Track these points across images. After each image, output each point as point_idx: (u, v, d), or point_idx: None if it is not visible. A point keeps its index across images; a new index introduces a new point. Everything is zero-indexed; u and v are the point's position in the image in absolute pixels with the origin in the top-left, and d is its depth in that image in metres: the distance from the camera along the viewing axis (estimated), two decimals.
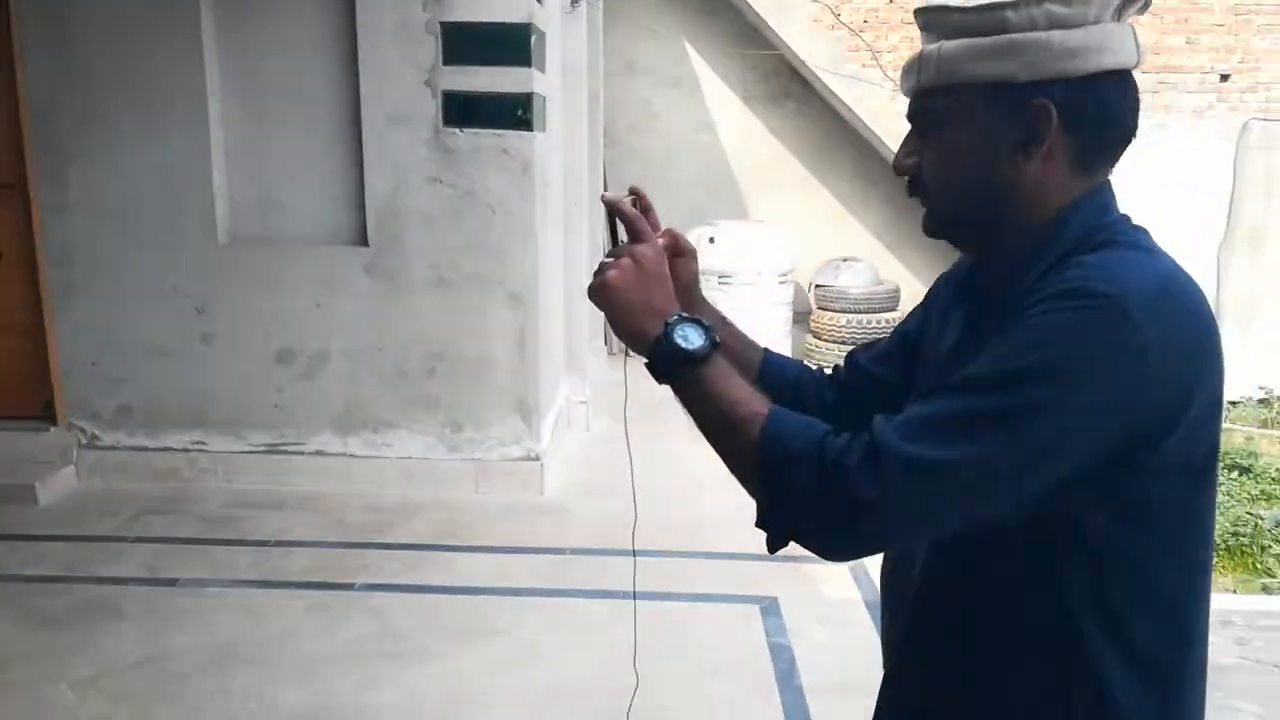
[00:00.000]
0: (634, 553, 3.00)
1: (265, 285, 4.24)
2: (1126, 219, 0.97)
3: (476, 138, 4.07)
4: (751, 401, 0.94)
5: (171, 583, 3.42)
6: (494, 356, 4.17)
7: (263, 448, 4.34)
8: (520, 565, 3.58)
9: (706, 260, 6.18)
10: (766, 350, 1.25)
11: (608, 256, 1.05)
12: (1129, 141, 0.96)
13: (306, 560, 3.62)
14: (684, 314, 0.99)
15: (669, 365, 0.97)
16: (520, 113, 4.07)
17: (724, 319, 1.18)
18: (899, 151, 1.01)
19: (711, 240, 6.47)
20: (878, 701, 1.12)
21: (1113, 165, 0.98)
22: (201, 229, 4.20)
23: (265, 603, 3.30)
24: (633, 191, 1.12)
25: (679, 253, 1.15)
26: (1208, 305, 0.91)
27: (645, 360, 1.00)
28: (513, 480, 4.23)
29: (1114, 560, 0.91)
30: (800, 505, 0.90)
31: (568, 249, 4.98)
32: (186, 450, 4.34)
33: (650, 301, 1.00)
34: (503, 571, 3.52)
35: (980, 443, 0.85)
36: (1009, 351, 0.87)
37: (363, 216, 4.21)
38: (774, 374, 1.21)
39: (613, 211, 1.08)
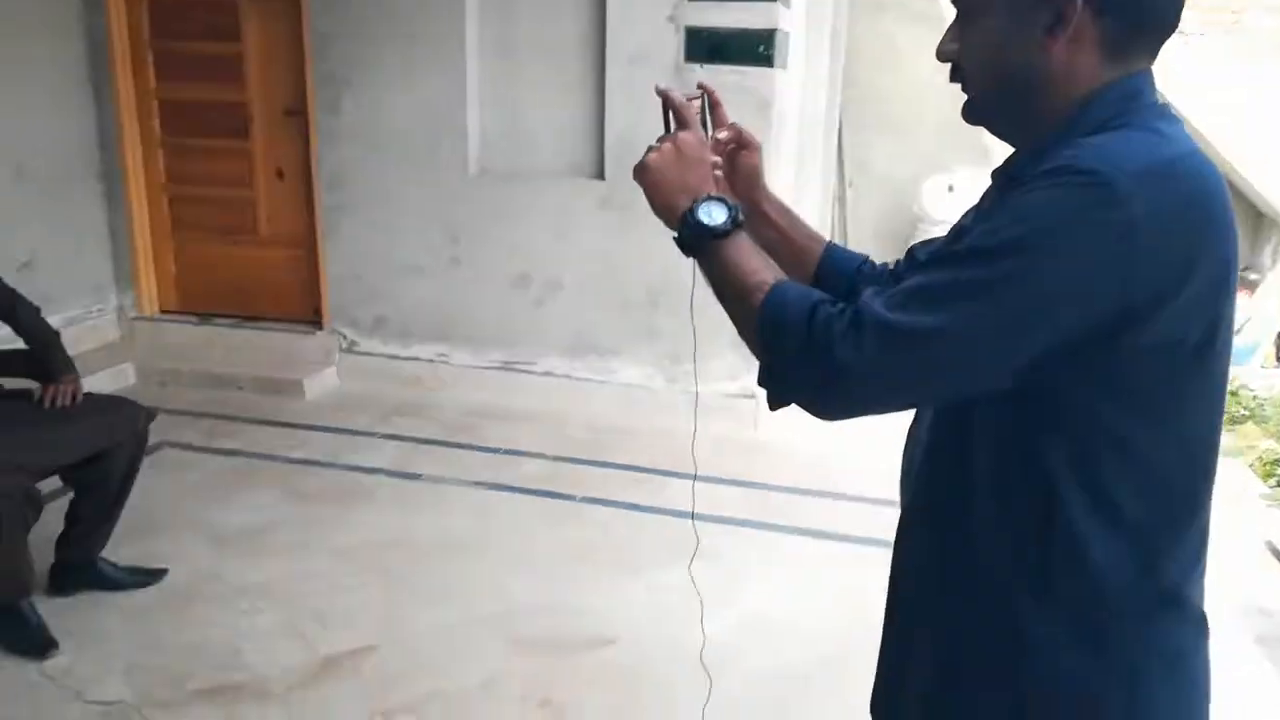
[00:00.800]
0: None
1: (508, 215, 4.48)
2: (1160, 107, 0.95)
3: (717, 74, 4.07)
4: (762, 273, 1.01)
5: (415, 477, 3.74)
6: None
7: (497, 364, 4.62)
8: (733, 496, 3.63)
9: (944, 210, 5.99)
10: (830, 243, 1.30)
11: (656, 143, 1.12)
12: (1169, 32, 0.95)
13: (533, 469, 3.84)
14: (713, 194, 1.06)
15: (692, 238, 1.04)
16: (762, 49, 4.03)
17: (786, 209, 1.26)
18: (942, 38, 1.02)
19: (950, 189, 6.17)
20: (891, 567, 1.17)
21: (1152, 56, 0.97)
22: (454, 161, 4.47)
23: (497, 503, 3.54)
24: (700, 87, 1.22)
25: (744, 145, 1.24)
26: (1220, 186, 0.91)
27: (674, 236, 1.07)
28: (728, 415, 4.28)
29: (1096, 433, 0.93)
30: (791, 367, 0.96)
31: (800, 189, 4.91)
32: (431, 361, 4.69)
33: (685, 181, 1.08)
34: (715, 501, 3.58)
35: (957, 313, 0.88)
36: (992, 226, 0.90)
37: (601, 151, 4.34)
38: (834, 265, 1.26)
39: (666, 102, 1.15)
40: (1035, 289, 0.87)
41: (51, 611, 2.61)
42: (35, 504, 2.48)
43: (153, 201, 4.95)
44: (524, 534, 3.30)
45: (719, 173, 1.19)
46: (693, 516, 2.66)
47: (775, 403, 1.01)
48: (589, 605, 2.86)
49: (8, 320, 2.78)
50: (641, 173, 1.10)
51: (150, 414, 2.83)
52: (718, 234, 1.03)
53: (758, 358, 1.00)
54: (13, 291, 2.78)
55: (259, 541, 3.17)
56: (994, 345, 0.89)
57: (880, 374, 0.91)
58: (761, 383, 1.00)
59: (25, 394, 2.73)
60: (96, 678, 2.43)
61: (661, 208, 1.09)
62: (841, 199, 6.73)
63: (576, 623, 2.77)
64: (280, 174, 4.79)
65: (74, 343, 3.95)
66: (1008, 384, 0.91)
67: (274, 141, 4.76)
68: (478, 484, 3.69)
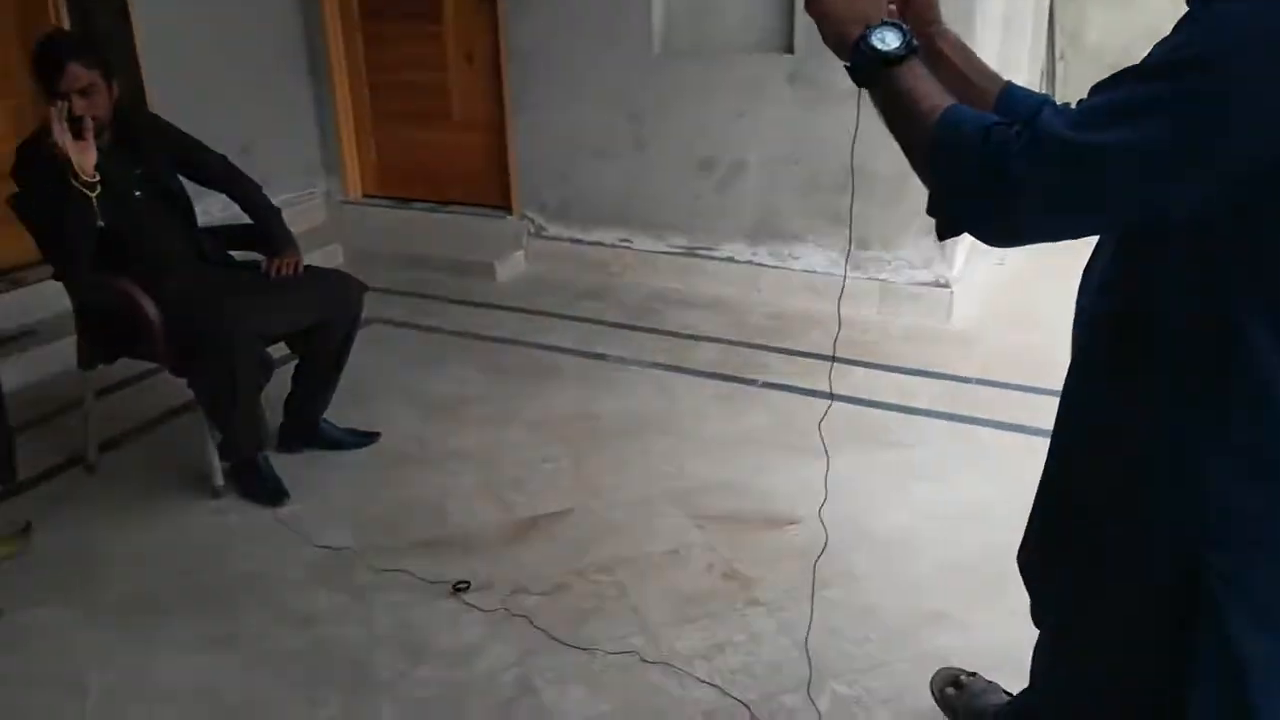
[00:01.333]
0: None
1: (692, 94, 4.38)
2: None
3: None
4: (935, 97, 0.99)
5: (600, 357, 3.83)
6: (911, 174, 3.98)
7: (679, 250, 4.62)
8: (922, 387, 3.52)
9: None
10: (1011, 83, 1.25)
11: None
12: None
13: (713, 354, 3.86)
14: (886, 20, 1.04)
15: (865, 65, 1.03)
16: None
17: (963, 46, 1.22)
18: None
19: None
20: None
21: None
22: (639, 39, 4.39)
23: (676, 385, 3.59)
24: None
25: None
26: None
27: (846, 65, 1.07)
28: (918, 304, 4.13)
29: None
30: (963, 188, 0.94)
31: (1005, 60, 4.55)
32: (614, 246, 4.75)
33: (856, 9, 1.06)
34: (903, 391, 3.49)
35: (1136, 128, 0.83)
36: (1182, 39, 0.84)
37: (791, 22, 4.15)
38: (1014, 105, 1.19)
39: None
40: (1219, 107, 0.80)
41: (281, 467, 2.88)
42: (267, 367, 2.71)
43: (354, 88, 5.17)
44: (704, 416, 3.34)
45: (893, 6, 1.16)
46: (830, 397, 2.62)
47: (945, 230, 1.00)
48: (770, 486, 2.88)
49: (231, 194, 2.99)
50: (814, 4, 1.10)
51: (364, 286, 3.01)
52: (890, 59, 1.02)
53: (928, 184, 0.99)
54: (234, 167, 2.98)
55: (459, 411, 3.37)
56: (1173, 165, 0.84)
57: (1056, 192, 0.88)
58: (931, 210, 0.99)
59: (254, 265, 2.96)
60: (323, 525, 2.68)
61: (833, 37, 1.09)
62: (1050, 74, 6.19)
63: (756, 502, 2.80)
64: (470, 58, 4.87)
65: (288, 224, 4.25)
66: (1186, 211, 0.87)
67: (465, 25, 4.83)
68: (658, 366, 3.75)
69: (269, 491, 2.78)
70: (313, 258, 4.46)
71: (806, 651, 2.06)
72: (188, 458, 2.97)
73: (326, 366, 2.96)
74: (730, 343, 3.97)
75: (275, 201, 3.10)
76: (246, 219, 3.03)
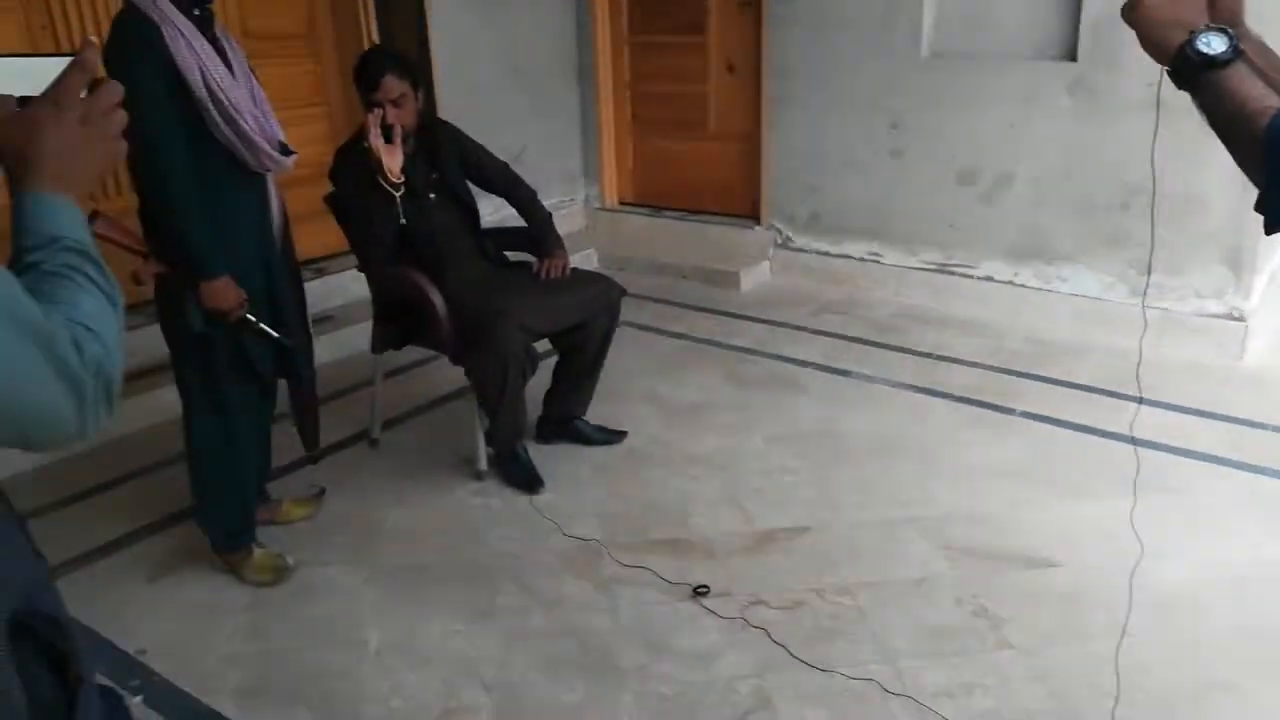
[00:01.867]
0: None
1: (958, 102, 4.22)
2: None
3: None
4: (1265, 99, 0.99)
5: (844, 373, 3.77)
6: (1206, 196, 3.62)
7: (932, 266, 4.45)
8: (1206, 430, 3.20)
9: None
10: None
11: None
12: None
13: (966, 378, 3.69)
14: (1209, 24, 1.04)
15: (1190, 69, 1.03)
16: None
17: (1266, 48, 1.17)
18: None
19: None
20: None
21: None
22: (906, 43, 4.28)
23: (926, 408, 3.46)
24: None
25: None
26: None
27: (1168, 69, 1.06)
28: (1205, 338, 3.74)
29: None
30: None
31: None
32: (863, 260, 4.65)
33: (1177, 15, 1.06)
34: (1183, 432, 3.18)
35: None
36: None
37: (1075, 28, 3.89)
38: None
39: None
40: None
41: (537, 457, 3.05)
42: (532, 362, 2.89)
43: (617, 99, 5.39)
44: (955, 442, 3.20)
45: None
46: (1133, 442, 2.40)
47: (1274, 227, 1.00)
48: (1027, 523, 2.72)
49: (510, 198, 3.21)
50: (1131, 10, 1.10)
51: (623, 290, 3.14)
52: (1218, 63, 1.02)
53: (1258, 184, 0.99)
54: (514, 174, 3.20)
55: (702, 417, 3.42)
56: None
57: None
58: (1259, 207, 0.99)
59: (526, 265, 3.16)
60: (573, 516, 2.82)
61: (1154, 44, 1.09)
62: None
63: (1011, 539, 2.65)
64: (731, 68, 4.94)
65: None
66: None
67: (727, 35, 4.90)
68: (906, 386, 3.63)
69: (526, 479, 2.95)
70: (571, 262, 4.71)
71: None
72: (456, 441, 3.21)
73: (585, 365, 3.11)
74: (986, 367, 3.78)
75: None
76: (521, 222, 3.24)
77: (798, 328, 4.26)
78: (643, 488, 2.97)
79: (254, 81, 2.40)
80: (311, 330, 2.70)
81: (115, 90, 0.88)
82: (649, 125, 5.37)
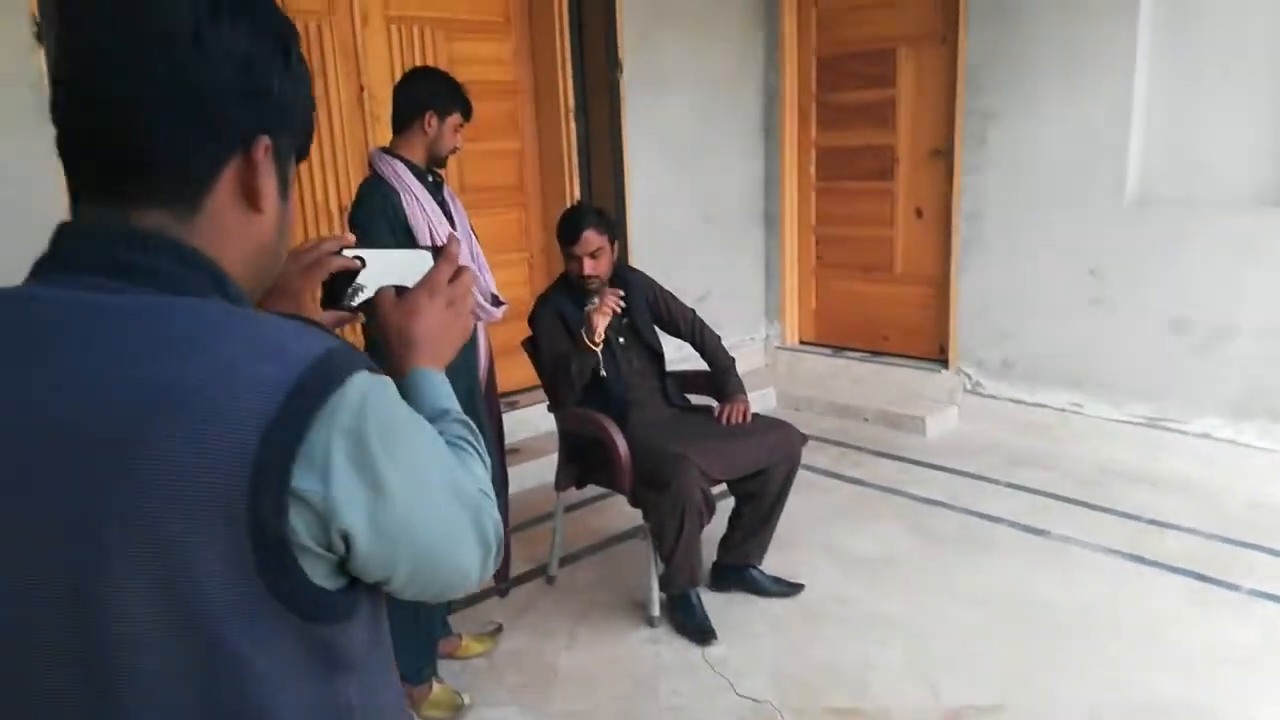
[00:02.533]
0: None
1: (1167, 249, 4.00)
2: None
3: None
4: None
5: (1042, 533, 3.52)
6: None
7: (1140, 419, 4.15)
8: None
9: None
10: None
11: None
12: None
13: (1182, 545, 3.36)
14: None
15: None
16: None
17: None
18: None
19: None
20: None
21: None
22: (1108, 188, 4.13)
23: (1136, 577, 3.17)
24: None
25: None
26: None
27: None
28: None
29: None
30: None
31: None
32: (1062, 410, 4.40)
33: None
34: None
35: None
36: None
37: None
38: None
39: None
40: None
41: (711, 605, 2.99)
42: (710, 507, 2.87)
43: (802, 241, 5.46)
44: (1171, 620, 2.89)
45: None
46: None
47: None
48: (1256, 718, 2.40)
49: (695, 344, 3.28)
50: None
51: (804, 437, 3.10)
52: None
53: None
54: (700, 320, 3.28)
55: (884, 572, 3.27)
56: None
57: None
58: None
59: (707, 409, 3.19)
60: (745, 673, 2.72)
61: None
62: None
63: None
64: (919, 213, 4.93)
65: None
66: None
67: (916, 181, 4.91)
68: (1112, 551, 3.34)
69: (699, 629, 2.89)
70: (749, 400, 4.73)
71: None
72: (631, 581, 3.21)
73: (762, 512, 3.06)
74: (1205, 535, 3.43)
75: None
76: (703, 365, 3.29)
77: (989, 480, 4.04)
78: (820, 647, 2.85)
79: (474, 239, 2.61)
80: (506, 466, 2.81)
81: (470, 277, 1.00)
82: (833, 267, 5.39)
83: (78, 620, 0.65)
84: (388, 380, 0.72)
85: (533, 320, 3.12)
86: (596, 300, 2.89)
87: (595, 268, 3.00)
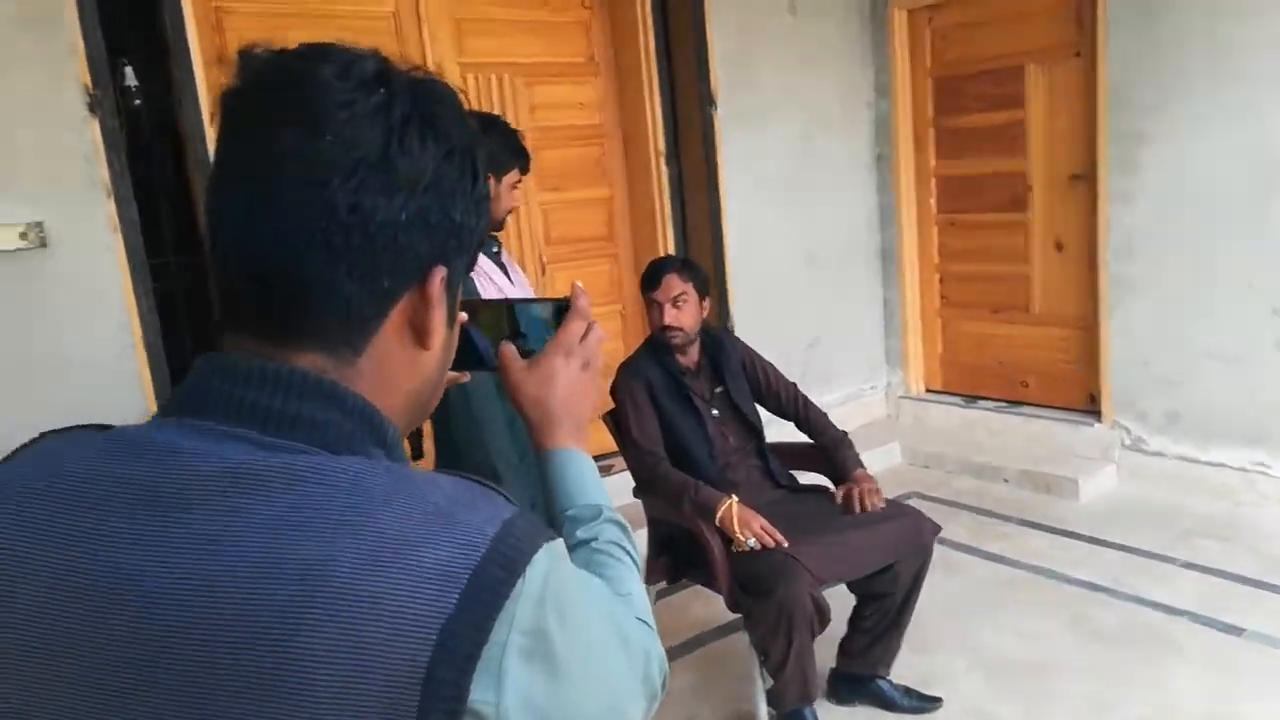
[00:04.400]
0: None
1: None
2: None
3: None
4: None
5: (1235, 630, 2.92)
6: None
7: None
8: None
9: None
10: None
11: None
12: None
13: None
14: None
15: None
16: None
17: None
18: None
19: None
20: None
21: None
22: None
23: None
24: None
25: None
26: None
27: None
28: None
29: None
30: None
31: None
32: (1244, 470, 3.75)
33: None
34: None
35: None
36: None
37: None
38: None
39: None
40: None
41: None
42: (823, 615, 2.42)
43: (924, 279, 4.95)
44: None
45: None
46: None
47: None
48: None
49: (799, 421, 2.87)
50: None
51: (936, 527, 2.63)
52: None
53: None
54: (803, 395, 2.87)
55: (1041, 683, 2.74)
56: None
57: None
58: None
59: (820, 490, 2.76)
60: None
61: None
62: None
63: None
64: (1059, 246, 4.36)
65: (846, 419, 4.06)
66: None
67: (1054, 211, 4.35)
68: None
69: None
70: (869, 457, 4.24)
71: None
72: (735, 689, 2.79)
73: (889, 615, 2.60)
74: None
75: (837, 395, 2.91)
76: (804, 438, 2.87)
77: (1161, 557, 3.44)
78: None
79: None
80: None
81: (600, 333, 0.90)
82: (960, 307, 4.86)
83: None
84: (560, 547, 0.62)
85: (614, 391, 2.77)
86: (752, 542, 2.44)
87: (678, 318, 2.65)
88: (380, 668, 0.52)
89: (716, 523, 2.46)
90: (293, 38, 0.68)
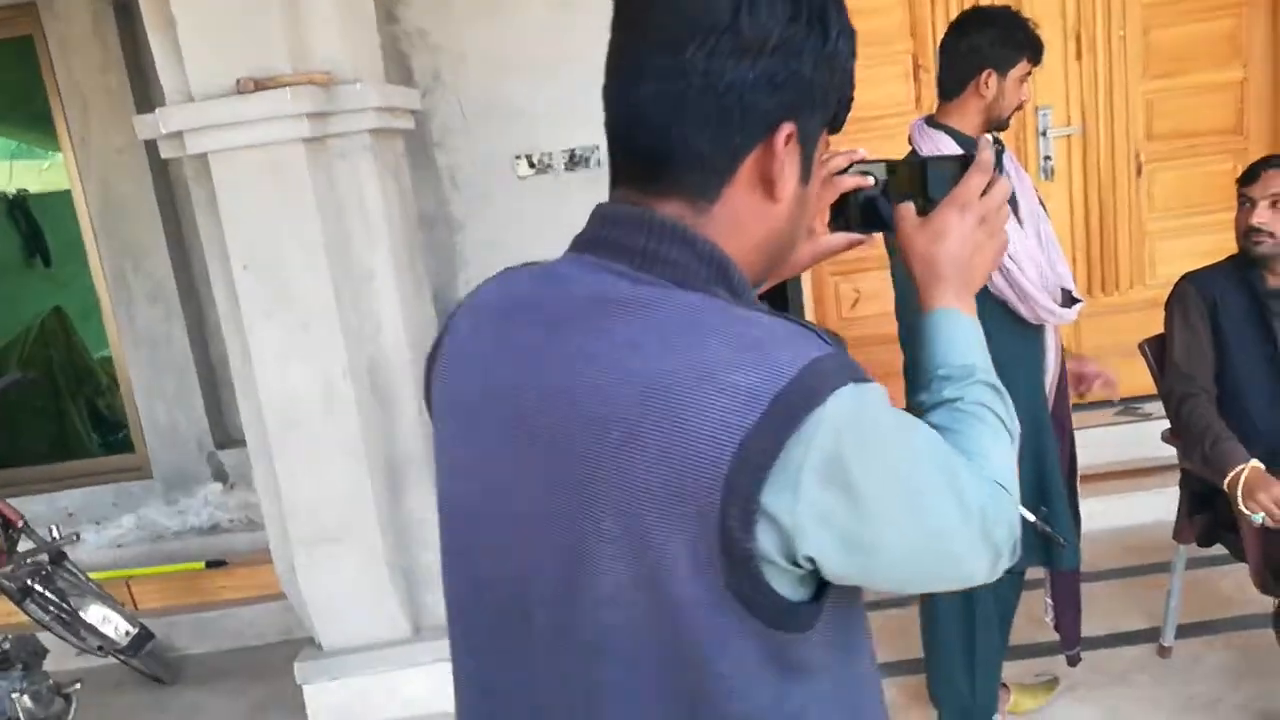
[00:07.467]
0: None
1: None
2: None
3: None
4: None
5: None
6: None
7: None
8: None
9: None
10: None
11: None
12: None
13: None
14: None
15: None
16: None
17: None
18: None
19: None
20: None
21: None
22: None
23: None
24: None
25: None
26: None
27: None
28: None
29: None
30: None
31: None
32: None
33: None
34: None
35: None
36: None
37: None
38: None
39: None
40: None
41: None
42: None
43: None
44: None
45: None
46: None
47: None
48: None
49: None
50: None
51: None
52: None
53: None
54: None
55: None
56: None
57: None
58: None
59: None
60: None
61: None
62: None
63: None
64: None
65: None
66: None
67: None
68: None
69: None
70: None
71: None
72: (1265, 685, 2.30)
73: None
74: None
75: None
76: None
77: None
78: None
79: (1043, 218, 2.09)
80: (1080, 507, 2.23)
81: (1005, 187, 0.86)
82: None
83: (568, 564, 0.70)
84: (875, 390, 0.67)
85: (1169, 305, 2.36)
86: (1259, 517, 1.98)
87: (1272, 220, 2.15)
88: (695, 467, 0.64)
89: (1224, 486, 2.02)
90: None
